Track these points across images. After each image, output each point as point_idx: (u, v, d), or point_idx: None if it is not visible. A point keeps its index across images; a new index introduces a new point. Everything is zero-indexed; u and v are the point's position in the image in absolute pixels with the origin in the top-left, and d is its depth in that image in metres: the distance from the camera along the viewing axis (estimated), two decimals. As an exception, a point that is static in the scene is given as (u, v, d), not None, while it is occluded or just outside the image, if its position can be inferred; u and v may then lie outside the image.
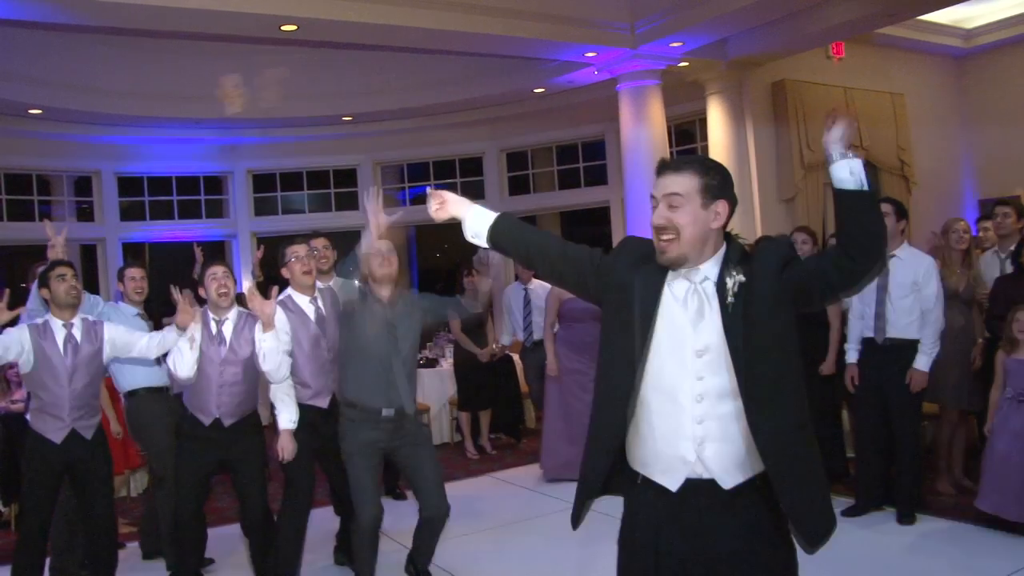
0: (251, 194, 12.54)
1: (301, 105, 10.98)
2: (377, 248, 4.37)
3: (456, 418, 8.57)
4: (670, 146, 10.01)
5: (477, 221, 2.69)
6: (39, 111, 9.94)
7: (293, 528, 4.74)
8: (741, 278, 2.34)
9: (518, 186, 12.73)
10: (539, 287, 8.33)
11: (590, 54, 9.07)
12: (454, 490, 6.74)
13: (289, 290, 4.93)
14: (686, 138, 10.97)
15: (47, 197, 11.69)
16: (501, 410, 8.49)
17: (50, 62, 9.59)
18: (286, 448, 4.60)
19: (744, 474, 2.35)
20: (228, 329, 4.56)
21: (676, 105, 10.25)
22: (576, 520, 2.56)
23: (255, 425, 4.77)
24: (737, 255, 2.40)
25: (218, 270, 4.60)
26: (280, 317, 4.64)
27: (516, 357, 8.79)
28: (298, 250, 4.86)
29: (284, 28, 7.80)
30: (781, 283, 2.32)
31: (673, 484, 2.38)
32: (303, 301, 4.86)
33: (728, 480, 2.34)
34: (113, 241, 11.67)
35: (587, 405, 6.73)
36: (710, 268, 2.39)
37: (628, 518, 2.51)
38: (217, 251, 12.18)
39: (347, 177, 12.83)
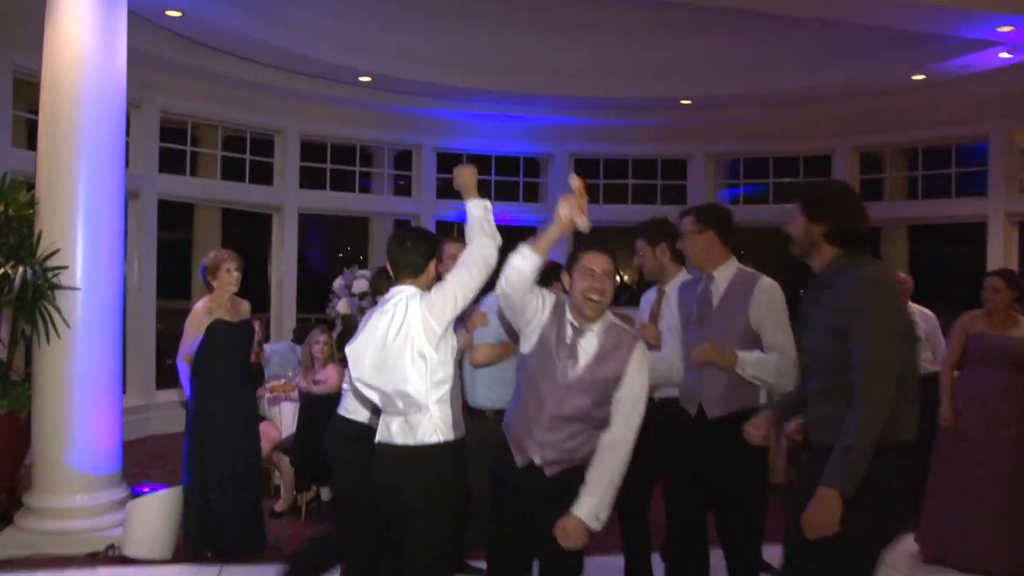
0: (571, 179, 11.70)
1: (635, 85, 9.94)
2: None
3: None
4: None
5: None
6: (368, 79, 9.58)
7: None
8: None
9: (870, 192, 11.03)
10: (917, 313, 6.74)
11: (1004, 28, 7.26)
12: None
13: None
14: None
15: (368, 169, 11.50)
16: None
17: (381, 29, 9.18)
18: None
19: None
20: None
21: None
22: None
23: None
24: None
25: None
26: None
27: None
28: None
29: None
30: None
31: None
32: None
33: None
34: (428, 218, 11.27)
35: (988, 482, 5.28)
36: None
37: None
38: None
39: (675, 168, 11.69)
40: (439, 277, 3.62)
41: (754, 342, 3.84)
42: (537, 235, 3.20)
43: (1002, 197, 9.65)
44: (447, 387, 3.43)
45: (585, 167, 11.76)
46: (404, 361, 3.37)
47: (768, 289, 3.88)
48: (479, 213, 3.57)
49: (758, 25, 9.10)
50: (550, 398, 3.35)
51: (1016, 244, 9.64)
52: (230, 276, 4.96)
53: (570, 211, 3.03)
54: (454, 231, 11.15)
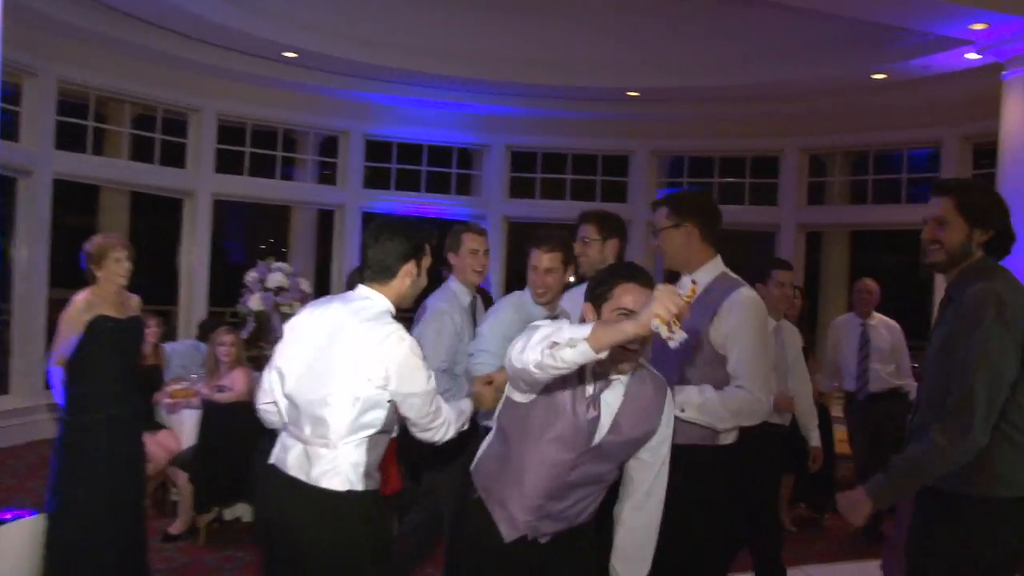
0: (508, 172, 11.12)
1: (579, 75, 9.36)
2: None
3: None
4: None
5: None
6: (294, 54, 8.83)
7: None
8: None
9: (815, 195, 10.71)
10: (882, 324, 6.34)
11: (977, 26, 6.86)
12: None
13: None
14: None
15: (291, 154, 10.73)
16: (806, 473, 6.50)
17: (309, 2, 8.45)
18: None
19: None
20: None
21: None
22: None
23: None
24: None
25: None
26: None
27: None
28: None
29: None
30: None
31: None
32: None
33: None
34: (353, 209, 10.56)
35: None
36: None
37: None
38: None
39: (616, 164, 11.16)
40: (437, 276, 2.99)
41: (723, 366, 3.13)
42: (599, 324, 2.19)
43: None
44: (372, 432, 2.74)
45: (522, 160, 11.18)
46: (335, 383, 2.69)
47: (741, 303, 3.13)
48: (469, 411, 3.02)
49: (712, 16, 8.65)
50: (559, 464, 2.60)
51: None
52: (119, 266, 4.20)
53: (667, 315, 2.05)
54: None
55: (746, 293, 3.18)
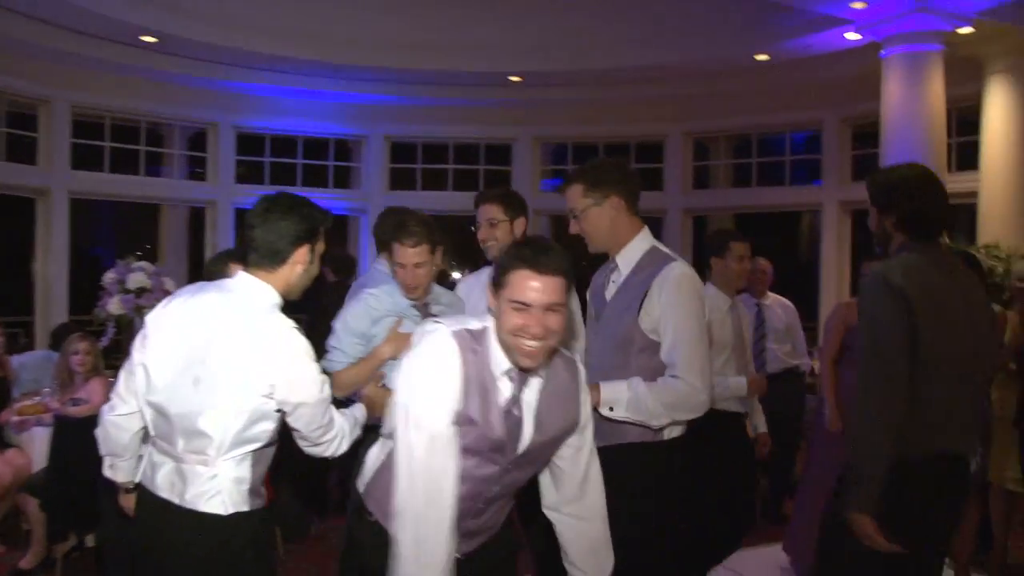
0: (388, 164, 10.71)
1: (460, 59, 9.05)
2: None
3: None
4: (948, 136, 7.69)
5: None
6: (153, 39, 8.22)
7: None
8: None
9: (700, 179, 10.73)
10: (777, 304, 6.24)
11: (857, 5, 6.85)
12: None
13: None
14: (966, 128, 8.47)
15: (157, 149, 10.07)
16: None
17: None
18: None
19: None
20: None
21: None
22: None
23: None
24: None
25: None
26: None
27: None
28: None
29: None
30: None
31: None
32: None
33: None
34: (225, 206, 9.98)
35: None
36: None
37: None
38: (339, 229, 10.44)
39: (498, 153, 10.90)
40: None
41: (658, 353, 2.80)
42: None
43: (835, 184, 9.42)
44: (257, 446, 2.38)
45: (402, 151, 10.82)
46: (215, 391, 2.31)
47: (673, 281, 2.79)
48: (363, 418, 2.73)
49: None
50: (479, 480, 2.23)
51: (849, 232, 9.44)
52: None
53: None
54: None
55: (679, 269, 2.84)
